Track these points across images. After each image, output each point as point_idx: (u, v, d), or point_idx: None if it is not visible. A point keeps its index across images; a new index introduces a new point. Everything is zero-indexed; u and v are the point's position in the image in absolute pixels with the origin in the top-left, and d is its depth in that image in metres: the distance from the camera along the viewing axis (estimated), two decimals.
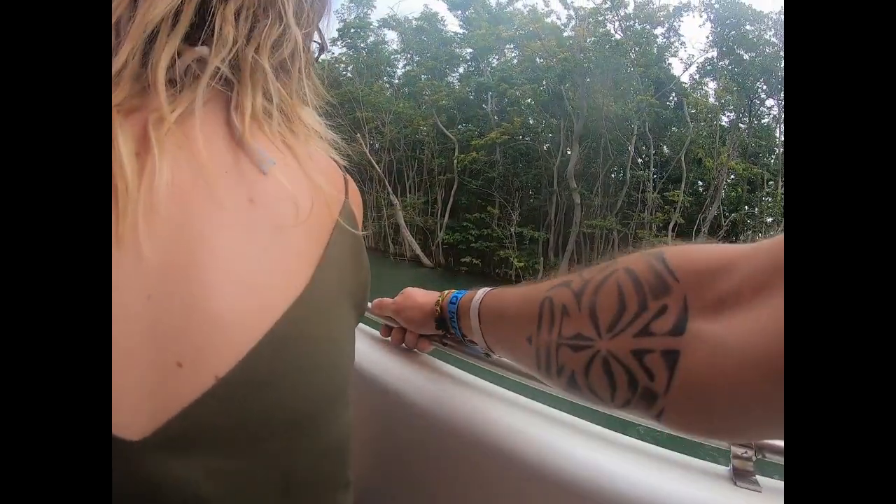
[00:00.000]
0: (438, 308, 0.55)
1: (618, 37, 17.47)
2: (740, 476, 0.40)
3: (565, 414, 0.50)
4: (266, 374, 0.32)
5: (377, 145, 19.35)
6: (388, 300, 0.63)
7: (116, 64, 0.31)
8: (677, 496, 0.37)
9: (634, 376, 0.30)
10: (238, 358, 0.30)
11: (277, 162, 0.35)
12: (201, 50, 0.34)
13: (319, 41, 0.45)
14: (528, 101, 18.27)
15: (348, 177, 0.43)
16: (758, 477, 0.41)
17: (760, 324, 0.25)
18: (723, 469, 0.42)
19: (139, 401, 0.28)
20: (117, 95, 0.31)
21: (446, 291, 0.55)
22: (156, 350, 0.29)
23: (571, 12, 18.60)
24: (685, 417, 0.29)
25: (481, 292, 0.48)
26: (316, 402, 0.35)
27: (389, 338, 0.65)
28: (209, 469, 0.30)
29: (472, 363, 0.58)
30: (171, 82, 0.33)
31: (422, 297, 0.59)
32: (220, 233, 0.32)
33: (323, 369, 0.36)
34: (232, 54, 0.35)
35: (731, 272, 0.28)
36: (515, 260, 15.84)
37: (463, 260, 16.94)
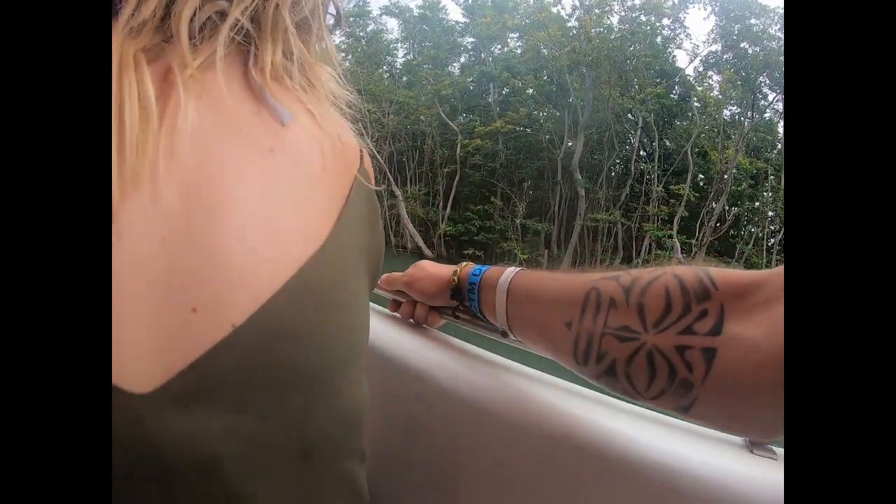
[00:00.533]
0: (456, 278, 0.54)
1: (623, 27, 17.33)
2: (756, 444, 0.41)
3: (577, 386, 0.49)
4: (285, 325, 0.31)
5: (377, 135, 19.26)
6: (397, 274, 0.62)
7: (143, 14, 0.31)
8: (697, 463, 0.37)
9: (675, 368, 0.33)
10: (257, 306, 0.29)
11: (296, 117, 0.35)
12: (222, 3, 0.34)
13: (334, 12, 0.44)
14: (530, 91, 18.16)
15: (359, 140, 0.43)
16: (773, 445, 0.42)
17: (781, 325, 0.29)
18: (739, 438, 0.42)
19: (150, 349, 0.27)
20: (139, 42, 0.31)
21: (464, 263, 0.55)
22: (170, 294, 0.27)
23: (576, 2, 18.45)
24: (714, 408, 0.32)
25: (511, 270, 0.49)
26: (334, 362, 0.34)
27: (398, 313, 0.64)
28: (225, 426, 0.28)
29: (478, 338, 0.57)
30: (190, 36, 0.33)
31: (436, 268, 0.59)
32: (241, 179, 0.31)
33: (343, 327, 0.35)
34: (253, 7, 0.34)
35: (763, 288, 0.32)
36: (519, 252, 15.83)
37: (465, 252, 16.90)
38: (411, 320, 0.62)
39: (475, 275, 0.52)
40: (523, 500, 0.46)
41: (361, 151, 0.41)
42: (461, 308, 0.57)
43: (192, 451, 0.27)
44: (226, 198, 0.30)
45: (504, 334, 0.52)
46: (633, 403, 0.47)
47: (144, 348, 0.27)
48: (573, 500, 0.43)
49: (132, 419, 0.26)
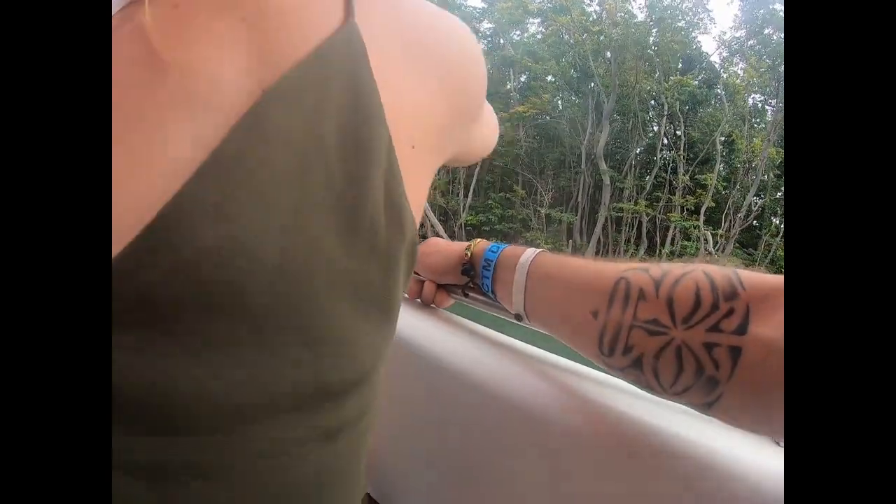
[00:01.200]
0: (469, 254, 0.52)
1: (647, 11, 16.89)
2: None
3: (595, 371, 0.46)
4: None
5: None
6: None
7: None
8: (722, 454, 0.36)
9: (702, 365, 0.33)
10: None
11: None
12: None
13: None
14: (550, 78, 17.75)
15: None
16: None
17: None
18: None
19: None
20: None
21: (478, 240, 0.53)
22: None
23: None
24: (737, 406, 0.33)
25: (532, 250, 0.47)
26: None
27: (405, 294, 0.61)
28: None
29: (486, 318, 0.55)
30: None
31: (447, 244, 0.57)
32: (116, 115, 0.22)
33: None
34: None
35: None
36: (543, 242, 15.49)
37: None
38: (418, 300, 0.60)
39: (492, 251, 0.50)
40: (537, 491, 0.44)
41: (351, 2, 0.27)
42: (471, 286, 0.54)
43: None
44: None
45: (518, 317, 0.48)
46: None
47: None
48: (591, 490, 0.42)
49: None
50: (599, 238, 16.00)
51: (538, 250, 0.47)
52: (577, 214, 16.70)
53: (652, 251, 15.51)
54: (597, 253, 15.26)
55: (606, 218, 15.96)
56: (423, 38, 0.31)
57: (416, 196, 0.30)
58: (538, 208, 16.76)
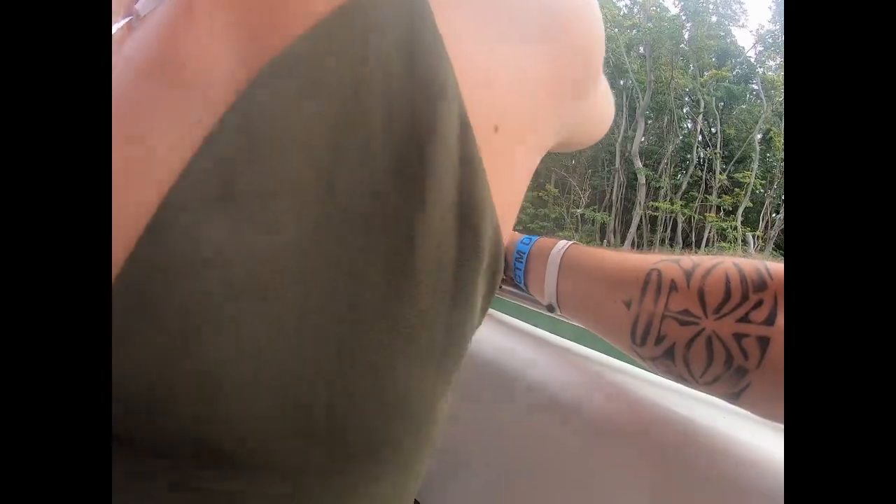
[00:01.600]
0: None
1: (679, 6, 16.44)
2: None
3: (626, 363, 0.48)
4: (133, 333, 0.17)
5: None
6: None
7: None
8: (742, 441, 0.38)
9: (732, 354, 0.34)
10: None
11: None
12: None
13: None
14: None
15: None
16: None
17: None
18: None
19: None
20: None
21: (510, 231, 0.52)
22: None
23: None
24: (764, 396, 0.34)
25: (563, 242, 0.47)
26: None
27: None
28: None
29: (516, 310, 0.56)
30: None
31: None
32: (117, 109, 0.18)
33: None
34: None
35: None
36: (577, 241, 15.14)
37: None
38: None
39: (524, 243, 0.49)
40: (569, 483, 0.46)
41: None
42: (503, 278, 0.53)
43: None
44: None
45: (550, 308, 0.49)
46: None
47: None
48: (625, 481, 0.42)
49: None
50: (633, 239, 15.64)
51: (570, 242, 0.46)
52: (610, 214, 16.36)
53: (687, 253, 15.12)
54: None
55: (641, 217, 15.59)
56: None
57: (505, 199, 0.22)
58: (571, 207, 16.44)
